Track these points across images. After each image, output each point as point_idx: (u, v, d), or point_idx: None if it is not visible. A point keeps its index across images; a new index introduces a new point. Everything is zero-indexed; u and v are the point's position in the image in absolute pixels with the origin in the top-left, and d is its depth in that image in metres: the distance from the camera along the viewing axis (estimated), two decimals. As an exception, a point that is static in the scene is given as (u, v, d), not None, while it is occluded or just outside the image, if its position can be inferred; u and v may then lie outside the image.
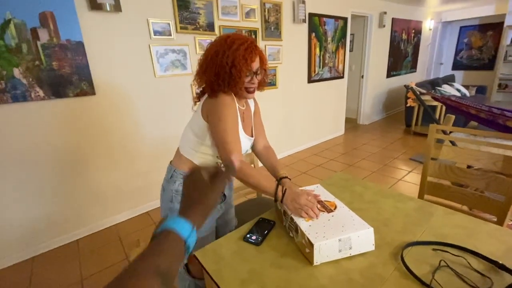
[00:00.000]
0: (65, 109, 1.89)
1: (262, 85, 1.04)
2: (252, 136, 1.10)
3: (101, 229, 2.20)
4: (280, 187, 0.90)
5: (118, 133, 2.16)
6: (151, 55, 2.18)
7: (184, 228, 0.43)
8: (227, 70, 0.87)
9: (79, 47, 1.85)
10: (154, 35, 2.16)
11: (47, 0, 1.69)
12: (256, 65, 0.93)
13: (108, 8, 1.86)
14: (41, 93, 1.77)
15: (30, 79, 1.72)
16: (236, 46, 0.87)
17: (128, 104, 2.17)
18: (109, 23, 1.95)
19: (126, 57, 2.08)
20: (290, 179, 1.05)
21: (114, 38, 1.99)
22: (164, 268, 0.38)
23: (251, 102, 1.14)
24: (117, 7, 1.91)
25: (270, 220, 0.97)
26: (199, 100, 1.02)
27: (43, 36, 1.72)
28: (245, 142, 1.03)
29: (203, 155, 1.00)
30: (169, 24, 2.22)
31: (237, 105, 0.96)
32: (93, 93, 1.96)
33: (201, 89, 1.01)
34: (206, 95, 0.97)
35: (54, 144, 1.89)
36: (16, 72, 1.67)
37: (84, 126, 1.99)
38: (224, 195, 1.12)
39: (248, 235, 0.89)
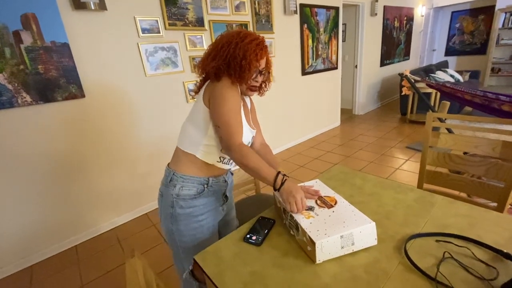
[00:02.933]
0: (55, 114, 1.84)
1: (263, 88, 1.04)
2: (253, 129, 1.08)
3: (99, 233, 2.18)
4: (280, 176, 0.88)
5: (112, 135, 2.12)
6: (140, 53, 2.13)
7: None
8: (238, 61, 0.88)
9: (65, 48, 1.79)
10: (142, 33, 2.11)
11: (28, 2, 1.62)
12: (263, 63, 0.95)
13: (92, 7, 1.80)
14: (28, 98, 1.71)
15: (16, 84, 1.66)
16: (248, 40, 0.89)
17: (120, 105, 2.12)
18: (94, 22, 1.89)
19: (115, 57, 2.02)
20: (288, 176, 1.03)
21: (101, 37, 1.93)
22: None
23: (246, 99, 1.11)
24: (102, 6, 1.85)
25: (270, 219, 0.96)
26: (199, 91, 0.99)
27: (27, 39, 1.65)
28: (248, 133, 1.00)
29: (206, 147, 0.95)
30: (157, 21, 2.16)
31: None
32: (83, 96, 1.91)
33: (201, 78, 1.00)
34: (207, 83, 0.95)
35: (46, 149, 1.84)
36: (1, 77, 1.61)
37: (76, 129, 1.94)
38: (226, 196, 1.09)
39: (248, 236, 0.87)
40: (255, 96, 1.05)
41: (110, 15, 1.94)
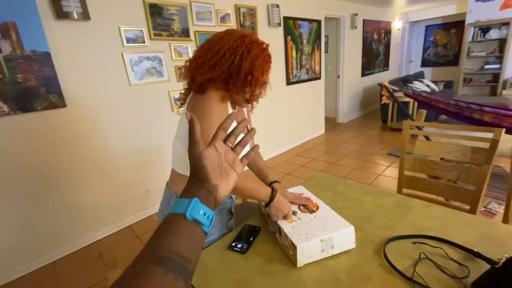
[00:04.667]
0: (34, 124, 1.79)
1: (256, 99, 0.92)
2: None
3: (80, 247, 2.09)
4: (273, 193, 0.87)
5: (93, 146, 2.07)
6: (124, 63, 2.12)
7: (180, 204, 0.38)
8: (242, 76, 0.79)
9: (46, 58, 1.75)
10: (127, 42, 2.10)
11: (8, 11, 1.60)
12: (267, 77, 0.87)
13: (75, 17, 1.79)
14: (5, 108, 1.66)
15: (-8, 94, 1.61)
16: (256, 52, 0.80)
17: (103, 115, 2.08)
18: (77, 32, 1.87)
19: (98, 66, 2.00)
20: (280, 182, 1.04)
21: (84, 47, 1.91)
22: (164, 253, 0.33)
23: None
24: (85, 15, 1.84)
25: (255, 226, 0.97)
26: (185, 102, 0.91)
27: (5, 48, 1.61)
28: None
29: None
30: (142, 31, 2.17)
31: (228, 105, 0.88)
32: (64, 106, 1.87)
33: (186, 87, 0.91)
34: (190, 95, 0.87)
35: (23, 161, 1.77)
36: (-24, 87, 1.56)
37: (56, 140, 1.89)
38: (232, 212, 1.05)
39: (233, 244, 0.88)
40: None
41: (93, 25, 1.93)
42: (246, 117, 1.07)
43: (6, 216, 1.76)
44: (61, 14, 1.75)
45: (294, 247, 0.75)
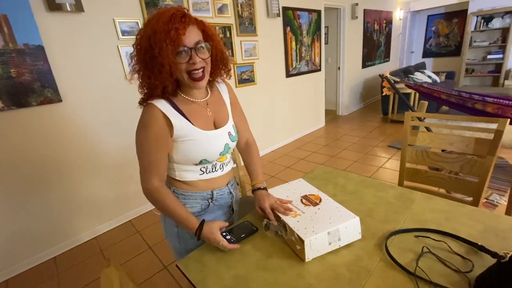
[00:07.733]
0: (30, 119, 1.76)
1: (219, 67, 0.82)
2: (225, 126, 0.89)
3: (80, 243, 2.09)
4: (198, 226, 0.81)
5: (91, 141, 2.05)
6: (120, 56, 2.07)
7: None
8: (153, 53, 0.68)
9: (39, 51, 1.72)
10: (122, 35, 2.06)
11: (-2, 3, 1.55)
12: (191, 38, 0.70)
13: (68, 8, 1.74)
14: (0, 104, 1.63)
15: (-14, 89, 1.58)
16: (156, 19, 0.68)
17: (99, 109, 2.05)
18: (71, 24, 1.83)
19: (94, 59, 1.96)
20: (266, 189, 0.96)
21: (78, 40, 1.87)
22: None
23: (221, 89, 0.94)
24: (78, 7, 1.79)
25: (254, 226, 0.91)
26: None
27: (-3, 41, 1.58)
28: (221, 141, 0.86)
29: (174, 166, 0.87)
30: (137, 23, 2.12)
31: (171, 113, 0.81)
32: (59, 100, 1.84)
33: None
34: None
35: (20, 157, 1.75)
36: (-31, 82, 1.53)
37: (52, 135, 1.86)
38: (233, 209, 1.03)
39: (223, 233, 0.84)
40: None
41: (87, 17, 1.88)
42: (232, 105, 0.97)
43: (4, 212, 1.75)
44: (53, 6, 1.70)
45: (301, 241, 0.73)
